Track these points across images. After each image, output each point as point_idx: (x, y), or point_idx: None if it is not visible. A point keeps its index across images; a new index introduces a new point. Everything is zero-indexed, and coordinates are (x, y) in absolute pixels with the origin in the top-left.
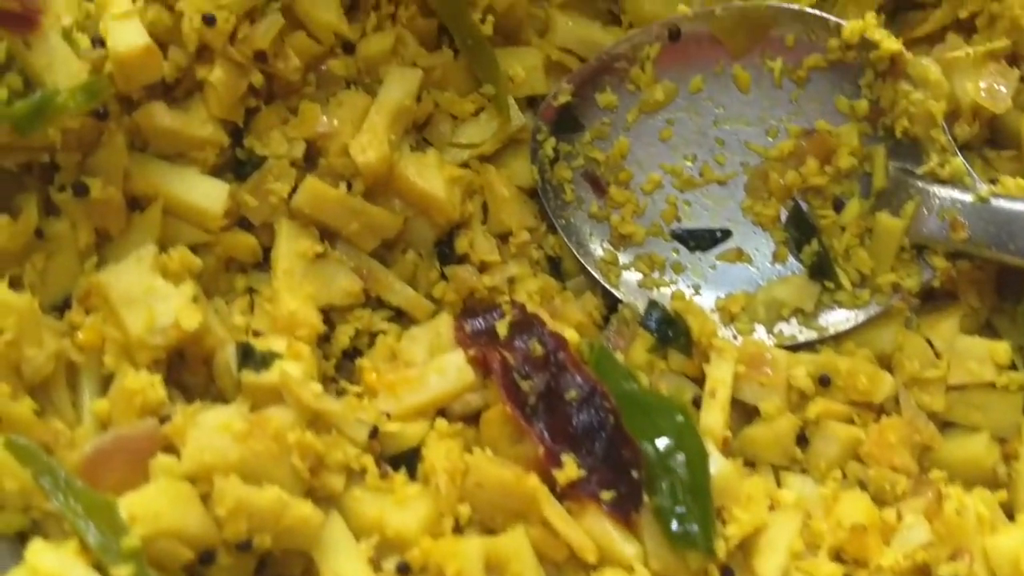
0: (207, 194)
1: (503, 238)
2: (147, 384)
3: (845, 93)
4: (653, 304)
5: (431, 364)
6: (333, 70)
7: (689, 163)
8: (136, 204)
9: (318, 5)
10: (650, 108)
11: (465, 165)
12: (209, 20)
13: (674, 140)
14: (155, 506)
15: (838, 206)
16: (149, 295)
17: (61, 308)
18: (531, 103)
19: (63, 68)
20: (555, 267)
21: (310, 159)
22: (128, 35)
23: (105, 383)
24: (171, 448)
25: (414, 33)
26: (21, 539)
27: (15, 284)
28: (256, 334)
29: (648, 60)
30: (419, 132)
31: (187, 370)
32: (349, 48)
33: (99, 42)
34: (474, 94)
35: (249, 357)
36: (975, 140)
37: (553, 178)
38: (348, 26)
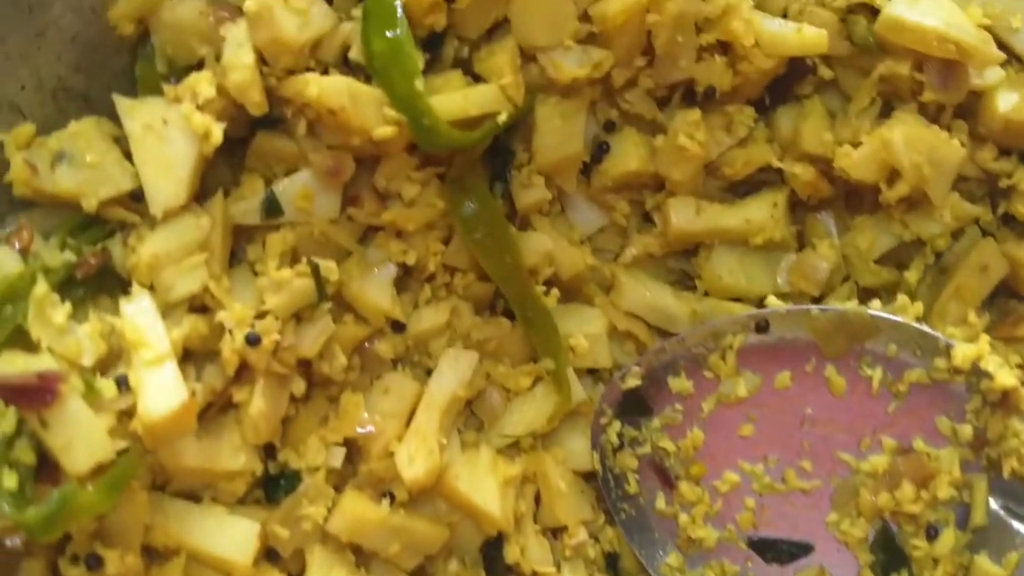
0: (234, 542)
1: (555, 532)
2: None
3: (948, 415)
4: None
5: None
6: (380, 352)
7: (771, 465)
8: (153, 552)
9: (369, 289)
10: (730, 401)
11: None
12: (253, 340)
13: (755, 438)
14: None
15: (931, 533)
16: None
17: None
18: (592, 370)
19: (84, 445)
20: (612, 563)
21: (350, 459)
22: (162, 392)
23: None
24: None
25: (469, 301)
26: None
27: None
28: None
29: (730, 349)
30: (467, 406)
31: None
32: (398, 326)
33: (125, 384)
34: (530, 364)
35: None
36: None
37: (616, 466)
38: (400, 305)
